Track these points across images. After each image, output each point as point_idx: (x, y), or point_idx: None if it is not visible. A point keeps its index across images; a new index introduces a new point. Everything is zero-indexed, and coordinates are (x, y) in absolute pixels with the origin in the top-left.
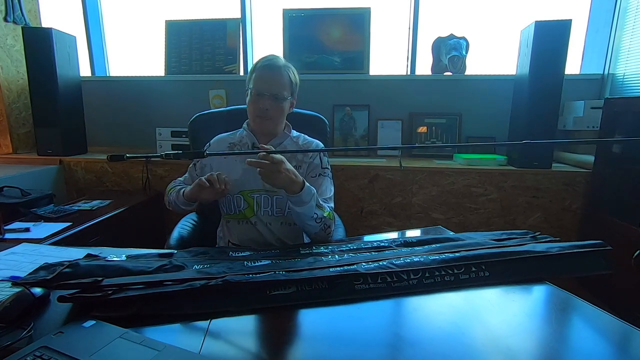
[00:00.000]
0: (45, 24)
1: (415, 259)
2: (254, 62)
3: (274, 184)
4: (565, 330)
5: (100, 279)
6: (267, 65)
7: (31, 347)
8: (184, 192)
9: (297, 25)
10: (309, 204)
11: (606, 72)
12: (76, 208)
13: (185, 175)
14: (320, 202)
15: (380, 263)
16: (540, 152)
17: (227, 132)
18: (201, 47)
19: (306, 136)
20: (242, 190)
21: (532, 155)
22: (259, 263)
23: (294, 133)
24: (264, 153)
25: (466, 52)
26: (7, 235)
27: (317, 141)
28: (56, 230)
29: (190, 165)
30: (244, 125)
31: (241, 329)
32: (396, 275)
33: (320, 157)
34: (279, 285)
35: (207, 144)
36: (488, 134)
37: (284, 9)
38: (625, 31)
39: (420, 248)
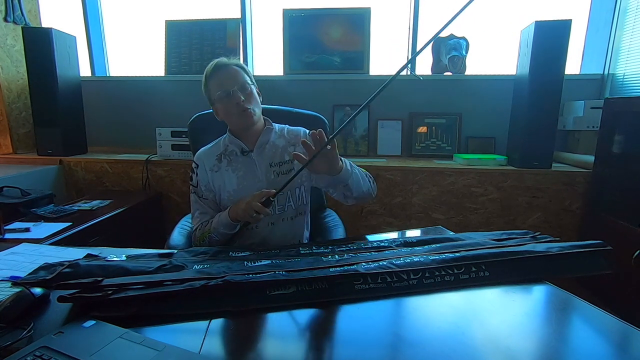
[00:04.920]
0: (45, 24)
1: (415, 259)
2: (205, 72)
3: (334, 164)
4: (565, 330)
5: (100, 279)
6: (216, 67)
7: (31, 347)
8: (227, 213)
9: (297, 25)
10: (353, 170)
11: (606, 72)
12: (76, 208)
13: (197, 208)
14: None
15: (380, 263)
16: (540, 152)
17: (222, 134)
18: (201, 47)
19: (289, 127)
20: (242, 199)
21: (532, 155)
22: (259, 263)
23: (276, 126)
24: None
25: (466, 52)
26: (7, 235)
27: (302, 128)
28: (56, 230)
29: (193, 196)
30: (227, 133)
31: (241, 329)
32: (396, 275)
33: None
34: (279, 285)
35: (195, 164)
36: (488, 134)
37: (284, 9)
38: (625, 31)
39: (420, 248)
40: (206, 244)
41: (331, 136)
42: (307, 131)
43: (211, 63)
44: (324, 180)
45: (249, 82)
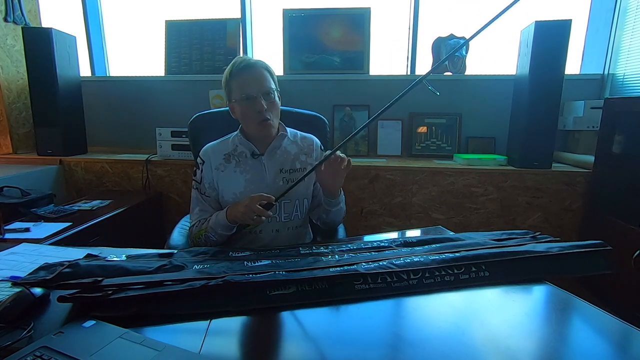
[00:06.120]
0: (45, 24)
1: (415, 259)
2: (230, 67)
3: (340, 184)
4: (565, 330)
5: (100, 279)
6: (244, 67)
7: (31, 347)
8: (225, 214)
9: (297, 25)
10: (342, 204)
11: (606, 72)
12: (76, 208)
13: (197, 205)
14: None
15: (380, 263)
16: (540, 152)
17: (226, 134)
18: (201, 47)
19: (301, 133)
20: (240, 201)
21: (532, 155)
22: (259, 263)
23: (289, 131)
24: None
25: (466, 52)
26: (7, 235)
27: (313, 136)
28: (56, 230)
29: (195, 193)
30: (238, 133)
31: (241, 329)
32: (396, 275)
33: (321, 155)
34: (279, 285)
35: (200, 159)
36: (488, 134)
37: (284, 9)
38: (625, 31)
39: (420, 248)
40: (202, 242)
41: (341, 143)
42: (320, 143)
43: (239, 59)
44: (316, 199)
45: (274, 87)
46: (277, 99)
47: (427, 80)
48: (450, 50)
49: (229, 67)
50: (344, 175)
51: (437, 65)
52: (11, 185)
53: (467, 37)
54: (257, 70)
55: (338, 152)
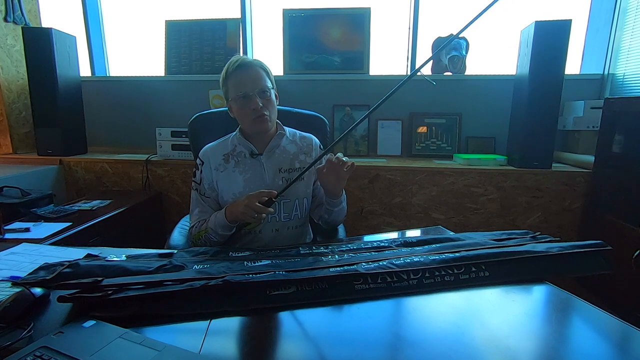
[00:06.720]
0: (45, 24)
1: (415, 259)
2: (226, 67)
3: (342, 186)
4: (565, 330)
5: (100, 279)
6: (240, 65)
7: (31, 347)
8: (224, 215)
9: (297, 25)
10: (343, 204)
11: (606, 72)
12: (76, 208)
13: (197, 206)
14: None
15: (380, 263)
16: (540, 152)
17: (226, 134)
18: (201, 47)
19: (300, 132)
20: (238, 200)
21: (532, 155)
22: (259, 263)
23: (288, 130)
24: (337, 156)
25: (466, 52)
26: (7, 235)
27: (312, 135)
28: (56, 230)
29: (195, 194)
30: (237, 133)
31: (241, 329)
32: (396, 275)
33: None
34: (279, 285)
35: (200, 160)
36: (488, 134)
37: (284, 9)
38: (625, 31)
39: (420, 248)
40: (202, 243)
41: (337, 139)
42: (319, 142)
43: (234, 59)
44: (317, 198)
45: (270, 86)
46: (273, 97)
47: (421, 74)
48: (451, 50)
49: (225, 66)
50: (346, 177)
51: (432, 57)
52: (11, 185)
53: (466, 37)
54: (253, 68)
55: (341, 155)
